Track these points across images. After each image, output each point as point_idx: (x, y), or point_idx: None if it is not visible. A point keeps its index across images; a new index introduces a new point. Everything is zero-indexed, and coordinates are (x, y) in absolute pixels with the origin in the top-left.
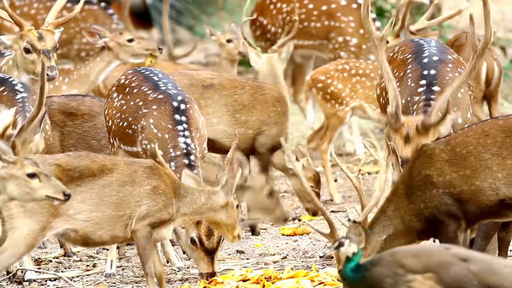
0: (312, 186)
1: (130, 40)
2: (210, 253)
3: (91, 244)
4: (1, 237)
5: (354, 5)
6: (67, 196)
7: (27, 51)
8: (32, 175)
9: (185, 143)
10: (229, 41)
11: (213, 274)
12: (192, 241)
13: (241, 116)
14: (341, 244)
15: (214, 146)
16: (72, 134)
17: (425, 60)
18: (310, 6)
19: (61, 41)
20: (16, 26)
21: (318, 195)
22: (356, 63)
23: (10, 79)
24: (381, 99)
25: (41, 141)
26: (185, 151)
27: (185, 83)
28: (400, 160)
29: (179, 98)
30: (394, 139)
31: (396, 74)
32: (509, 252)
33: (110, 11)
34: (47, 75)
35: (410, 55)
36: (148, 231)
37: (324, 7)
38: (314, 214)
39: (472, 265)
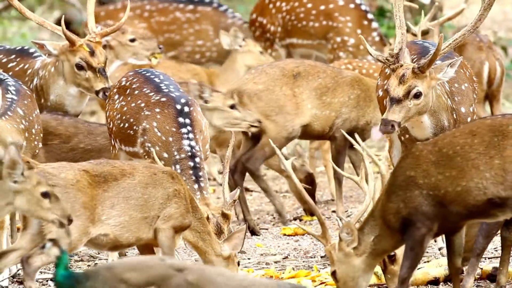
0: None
1: (132, 40)
2: None
3: (118, 247)
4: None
5: (352, 5)
6: (70, 222)
7: (79, 67)
8: (45, 195)
9: (189, 145)
10: (262, 52)
11: None
12: None
13: (327, 98)
14: (43, 246)
15: (306, 132)
16: None
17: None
18: (309, 5)
19: (173, 42)
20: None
21: (313, 196)
22: (359, 63)
23: (6, 80)
24: (384, 102)
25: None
26: (189, 153)
27: (278, 75)
28: (390, 99)
29: (182, 100)
30: (390, 78)
31: None
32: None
33: (223, 7)
34: (105, 94)
35: (415, 56)
36: (172, 232)
37: (322, 7)
38: (312, 214)
39: (188, 275)
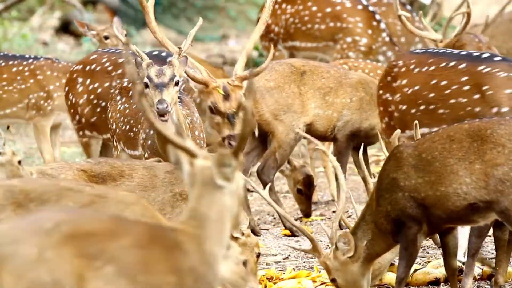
0: (300, 189)
1: (106, 37)
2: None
3: None
4: None
5: (360, 7)
6: None
7: (211, 110)
8: (20, 162)
9: None
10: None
11: None
12: None
13: (329, 98)
14: None
15: (309, 132)
16: None
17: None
18: (314, 8)
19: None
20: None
21: (309, 198)
22: (355, 63)
23: None
24: (385, 119)
25: None
26: None
27: (287, 72)
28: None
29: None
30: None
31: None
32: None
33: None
34: (230, 144)
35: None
36: None
37: (329, 9)
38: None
39: None
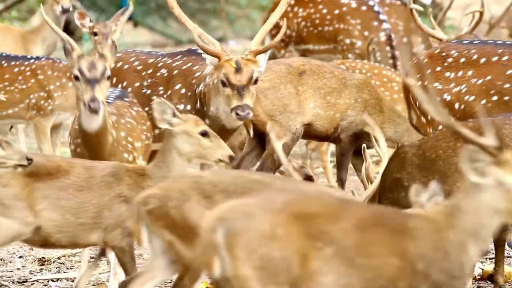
0: None
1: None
2: None
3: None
4: None
5: (364, 7)
6: (30, 161)
7: (223, 83)
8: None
9: None
10: None
11: None
12: None
13: (331, 98)
14: None
15: (309, 131)
16: None
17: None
18: (324, 10)
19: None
20: None
21: None
22: (352, 63)
23: None
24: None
25: None
26: None
27: (284, 72)
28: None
29: None
30: None
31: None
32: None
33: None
34: (237, 114)
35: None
36: (125, 242)
37: (337, 11)
38: None
39: None
